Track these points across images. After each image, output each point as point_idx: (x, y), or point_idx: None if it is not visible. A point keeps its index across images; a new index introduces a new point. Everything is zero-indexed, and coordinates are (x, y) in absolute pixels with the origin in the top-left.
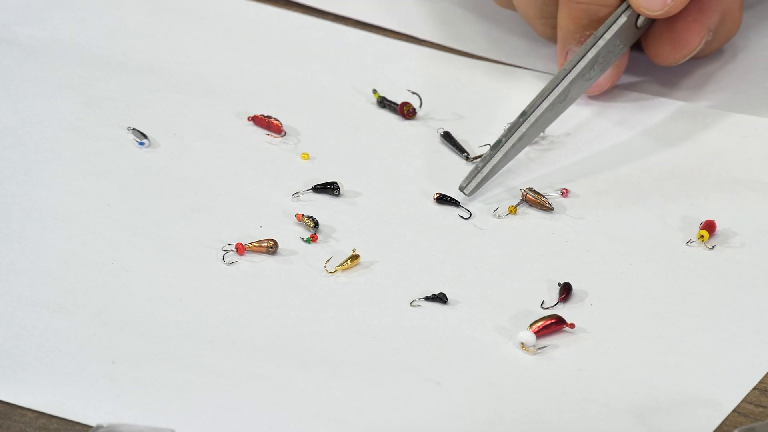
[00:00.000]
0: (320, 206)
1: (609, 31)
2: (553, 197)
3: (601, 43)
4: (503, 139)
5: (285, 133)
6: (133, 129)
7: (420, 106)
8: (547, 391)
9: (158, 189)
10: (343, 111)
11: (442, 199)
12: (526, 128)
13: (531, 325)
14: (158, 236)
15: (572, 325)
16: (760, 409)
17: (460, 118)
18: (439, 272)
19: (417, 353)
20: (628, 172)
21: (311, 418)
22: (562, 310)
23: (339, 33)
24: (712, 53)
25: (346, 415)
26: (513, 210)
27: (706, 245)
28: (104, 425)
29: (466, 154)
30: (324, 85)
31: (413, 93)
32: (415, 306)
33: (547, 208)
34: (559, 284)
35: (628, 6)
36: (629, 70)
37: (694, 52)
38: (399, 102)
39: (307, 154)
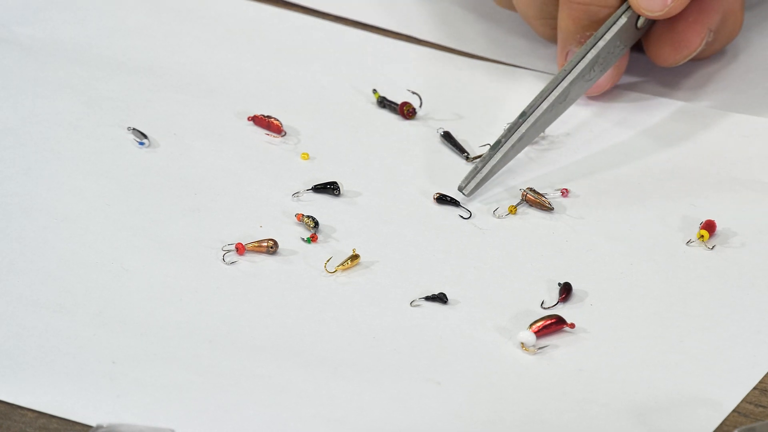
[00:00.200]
0: (320, 206)
1: (609, 31)
2: (553, 197)
3: (602, 43)
4: (503, 140)
5: (285, 133)
6: (133, 129)
7: (420, 106)
8: (547, 391)
9: (158, 189)
10: (343, 111)
11: (442, 199)
12: (526, 128)
13: (531, 325)
14: (158, 236)
15: (572, 325)
16: (760, 409)
17: (460, 118)
18: (439, 272)
19: (417, 353)
20: (628, 172)
21: (311, 418)
22: (562, 310)
23: (339, 33)
24: (713, 54)
25: (346, 415)
26: (513, 210)
27: (706, 245)
28: (104, 425)
29: (466, 154)
30: (324, 85)
31: (413, 93)
32: (415, 306)
33: (547, 208)
34: (559, 284)
35: (629, 7)
36: (629, 70)
37: (695, 53)
38: (399, 102)
39: (307, 154)
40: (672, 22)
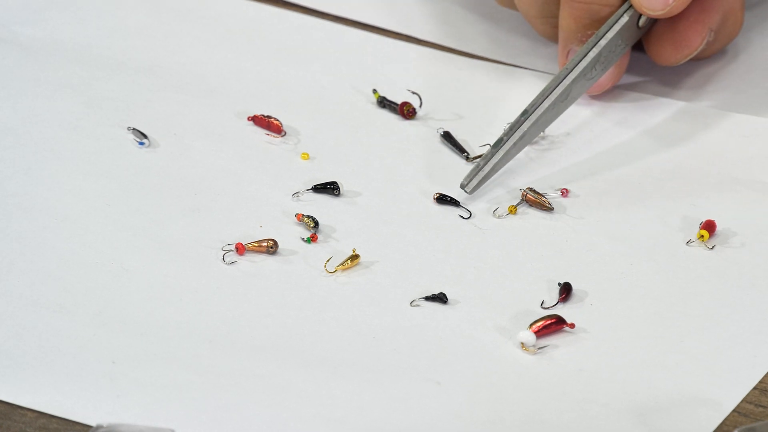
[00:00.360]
0: (320, 206)
1: (611, 30)
2: (553, 197)
3: (603, 42)
4: (504, 138)
5: (285, 133)
6: (133, 129)
7: (420, 106)
8: (547, 391)
9: (158, 189)
10: (343, 111)
11: (442, 199)
12: (528, 127)
13: (531, 325)
14: (158, 236)
15: (572, 325)
16: (760, 409)
17: (460, 118)
18: (439, 272)
19: (417, 353)
20: (628, 172)
21: (311, 418)
22: (562, 310)
23: (339, 33)
24: (713, 54)
25: (346, 415)
26: (513, 210)
27: (706, 245)
28: (104, 425)
29: (466, 154)
30: (324, 85)
31: (413, 93)
32: (415, 306)
33: (547, 208)
34: (559, 284)
35: (630, 6)
36: (630, 70)
37: (696, 53)
38: (399, 102)
39: (307, 154)
40: (673, 21)
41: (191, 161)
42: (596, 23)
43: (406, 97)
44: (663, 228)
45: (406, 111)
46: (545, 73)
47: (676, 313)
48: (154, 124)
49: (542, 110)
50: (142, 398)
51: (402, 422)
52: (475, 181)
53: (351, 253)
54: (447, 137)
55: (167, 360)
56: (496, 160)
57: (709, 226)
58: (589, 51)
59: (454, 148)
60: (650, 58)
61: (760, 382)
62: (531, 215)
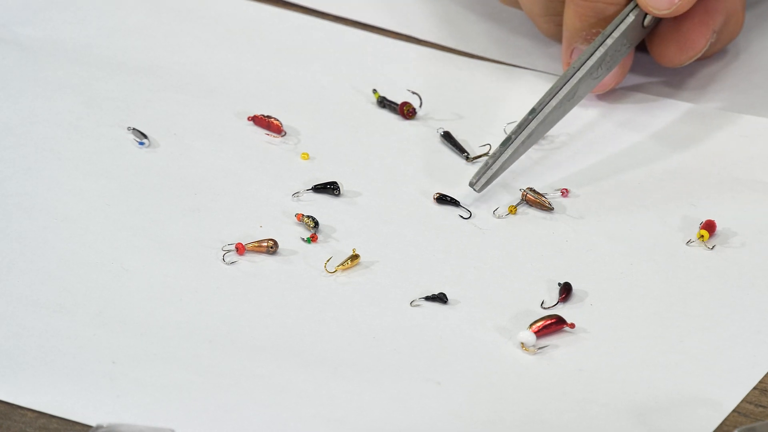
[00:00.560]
0: (320, 206)
1: (617, 29)
2: (553, 197)
3: (609, 41)
4: (513, 136)
5: (285, 133)
6: (133, 129)
7: (420, 106)
8: (547, 391)
9: (158, 189)
10: (343, 111)
11: (442, 199)
12: (536, 125)
13: (531, 325)
14: (158, 236)
15: (572, 325)
16: (760, 409)
17: (460, 118)
18: (439, 272)
19: (417, 353)
20: (628, 172)
21: (311, 418)
22: (562, 310)
23: (339, 33)
24: (714, 54)
25: (346, 415)
26: (513, 210)
27: (706, 245)
28: (104, 425)
29: (466, 154)
30: (324, 85)
31: (413, 93)
32: (415, 306)
33: (547, 208)
34: (559, 284)
35: (636, 5)
36: (631, 70)
37: (700, 54)
38: (399, 102)
39: (307, 154)
40: (677, 22)
41: (191, 161)
42: (601, 22)
43: (406, 97)
44: (663, 228)
45: (406, 111)
46: (546, 73)
47: (676, 313)
48: (154, 124)
49: (550, 109)
50: (142, 398)
51: (402, 422)
52: (483, 179)
53: (351, 253)
54: (447, 137)
55: (167, 360)
56: (505, 159)
57: (709, 226)
58: (596, 50)
59: (454, 148)
60: (654, 60)
61: (760, 382)
62: (531, 215)
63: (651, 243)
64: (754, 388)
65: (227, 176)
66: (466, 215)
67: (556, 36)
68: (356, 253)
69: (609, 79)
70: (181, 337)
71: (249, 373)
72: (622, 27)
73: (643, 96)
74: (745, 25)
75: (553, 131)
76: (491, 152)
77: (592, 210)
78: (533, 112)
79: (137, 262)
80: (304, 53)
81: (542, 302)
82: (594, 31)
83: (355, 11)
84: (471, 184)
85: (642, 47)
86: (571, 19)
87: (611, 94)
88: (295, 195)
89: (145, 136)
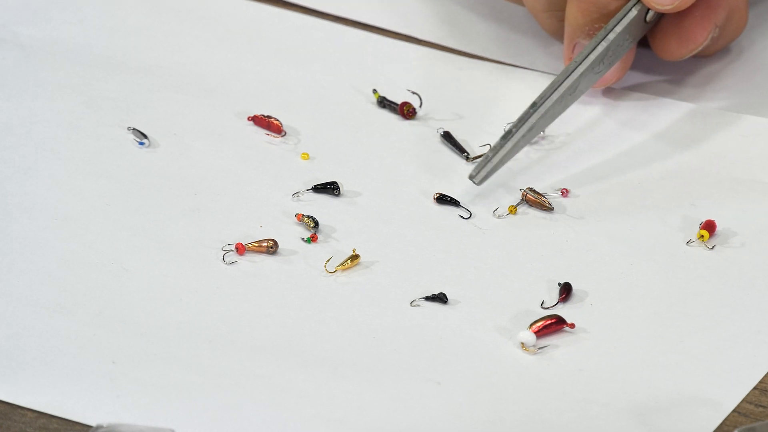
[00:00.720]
0: (320, 206)
1: (620, 24)
2: (553, 197)
3: (612, 36)
4: (513, 130)
5: (285, 133)
6: (133, 129)
7: (420, 106)
8: (547, 391)
9: (158, 189)
10: (343, 111)
11: (442, 199)
12: (536, 119)
13: (531, 325)
14: (158, 236)
15: (572, 325)
16: (760, 409)
17: (460, 118)
18: (439, 272)
19: (417, 353)
20: (628, 172)
21: (311, 418)
22: (562, 310)
23: (339, 33)
24: (717, 51)
25: (346, 415)
26: (513, 210)
27: (706, 245)
28: (104, 425)
29: (466, 154)
30: (324, 85)
31: (413, 93)
32: (415, 306)
33: (547, 208)
34: (559, 284)
35: (639, 0)
36: (632, 69)
37: (700, 48)
38: (399, 102)
39: (307, 154)
40: (679, 16)
41: (191, 161)
42: (604, 17)
43: (406, 97)
44: (663, 228)
45: (406, 111)
46: (546, 72)
47: (676, 313)
48: (154, 124)
49: (551, 103)
50: (142, 398)
51: (402, 422)
52: (483, 173)
53: (351, 253)
54: (447, 137)
55: (167, 360)
56: (505, 152)
57: (709, 226)
58: (598, 45)
59: (454, 148)
60: (654, 53)
61: (760, 382)
62: (531, 215)
63: (651, 243)
64: (754, 388)
65: (227, 176)
66: (466, 215)
67: (558, 32)
68: (356, 253)
69: (611, 74)
70: (181, 337)
71: (249, 373)
72: (625, 22)
73: (643, 95)
74: (748, 25)
75: (554, 131)
76: (491, 146)
77: (592, 210)
78: (534, 106)
79: (137, 262)
80: (304, 53)
81: (542, 302)
82: (596, 26)
83: (355, 11)
84: (471, 177)
85: (643, 42)
86: (573, 14)
87: (612, 92)
88: (295, 195)
89: (145, 136)
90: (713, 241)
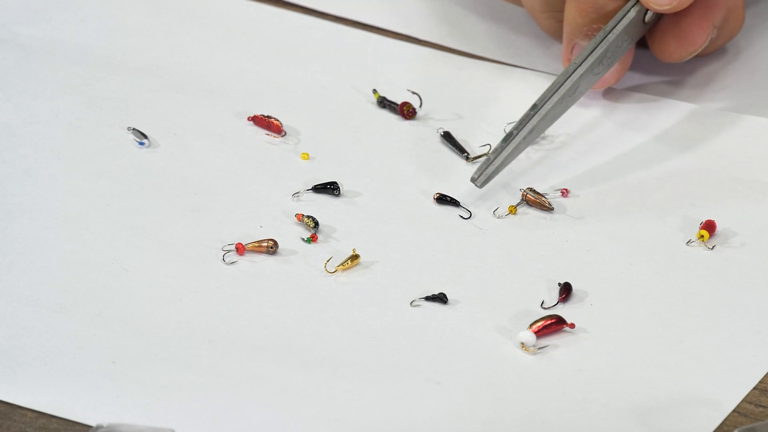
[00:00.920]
0: (320, 206)
1: (619, 25)
2: (553, 197)
3: (611, 37)
4: (514, 132)
5: (285, 133)
6: (133, 129)
7: (420, 106)
8: (547, 391)
9: (158, 189)
10: (343, 111)
11: (442, 199)
12: (537, 121)
13: (531, 325)
14: (158, 236)
15: (572, 325)
16: (760, 409)
17: (460, 118)
18: (439, 272)
19: (417, 353)
20: (628, 173)
21: (311, 418)
22: (562, 310)
23: (339, 33)
24: (715, 51)
25: (346, 415)
26: (513, 210)
27: (706, 245)
28: (104, 425)
29: (466, 154)
30: (324, 85)
31: (413, 93)
32: (415, 306)
33: (547, 208)
34: (559, 284)
35: (637, 1)
36: (631, 70)
37: (700, 50)
38: (399, 102)
39: (307, 154)
40: (677, 17)
41: (191, 161)
42: (603, 18)
43: (406, 97)
44: (663, 228)
45: (406, 111)
46: (545, 72)
47: (676, 313)
48: (154, 124)
49: (551, 104)
50: (142, 398)
51: (402, 422)
52: (485, 175)
53: (351, 253)
54: (447, 137)
55: (167, 360)
56: (506, 154)
57: (709, 226)
58: (597, 46)
59: (454, 148)
60: (654, 55)
61: (760, 382)
62: (531, 215)
63: (651, 243)
64: (754, 388)
65: (227, 176)
66: (466, 215)
67: (557, 33)
68: (356, 253)
69: (610, 75)
70: (181, 337)
71: (249, 373)
72: (624, 23)
73: (643, 96)
74: (745, 24)
75: (554, 131)
76: (493, 148)
77: (592, 210)
78: (534, 108)
79: (137, 262)
80: (304, 53)
81: (542, 302)
82: (595, 26)
83: (355, 11)
84: (473, 180)
85: (642, 43)
86: (572, 15)
87: (612, 93)
88: (295, 195)
89: (145, 136)
90: (713, 241)
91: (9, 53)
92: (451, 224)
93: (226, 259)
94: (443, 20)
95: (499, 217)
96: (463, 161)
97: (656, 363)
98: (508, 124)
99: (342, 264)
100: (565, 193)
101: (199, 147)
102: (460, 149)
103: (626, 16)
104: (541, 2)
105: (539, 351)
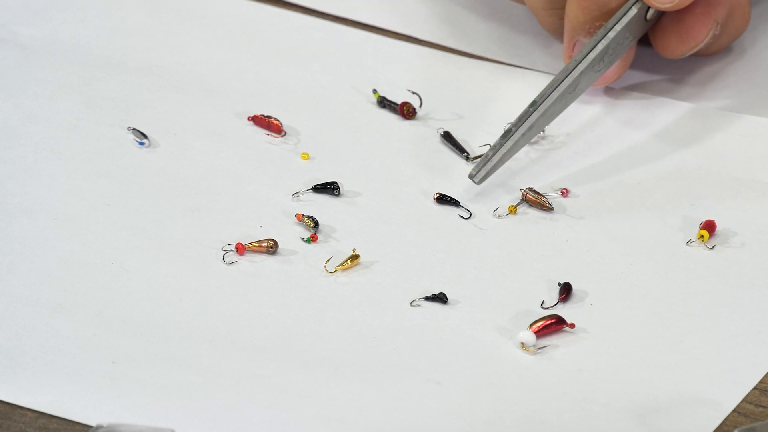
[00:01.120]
0: (320, 206)
1: (620, 23)
2: (553, 197)
3: (612, 34)
4: (513, 129)
5: (285, 133)
6: (133, 129)
7: (420, 106)
8: (547, 391)
9: (158, 189)
10: (343, 111)
11: (442, 199)
12: (536, 118)
13: (531, 325)
14: (158, 236)
15: (572, 325)
16: (760, 409)
17: (460, 118)
18: (439, 272)
19: (417, 353)
20: (628, 172)
21: (311, 418)
22: (562, 310)
23: (339, 33)
24: (720, 50)
25: (346, 415)
26: (513, 210)
27: (706, 245)
28: (104, 425)
29: (466, 154)
30: (324, 85)
31: (413, 93)
32: (415, 306)
33: (547, 208)
34: (559, 284)
35: None
36: (632, 68)
37: (701, 45)
38: (399, 102)
39: (307, 154)
40: (679, 13)
41: (191, 161)
42: (605, 15)
43: (406, 97)
44: (663, 228)
45: (406, 111)
46: (546, 72)
47: (676, 313)
48: (154, 124)
49: (551, 101)
50: (142, 398)
51: (402, 422)
52: (483, 172)
53: (351, 253)
54: (447, 137)
55: (167, 360)
56: (505, 151)
57: (709, 226)
58: (598, 43)
59: (454, 148)
60: (655, 50)
61: (760, 382)
62: (531, 215)
63: (651, 243)
64: (754, 388)
65: (227, 176)
66: (466, 215)
67: (558, 30)
68: (356, 253)
69: (611, 73)
70: (181, 337)
71: (249, 373)
72: (625, 20)
73: (643, 95)
74: (750, 24)
75: (554, 131)
76: (491, 145)
77: (592, 210)
78: (534, 105)
79: (137, 262)
80: (304, 53)
81: (542, 302)
82: (597, 24)
83: (355, 11)
84: (471, 176)
85: (643, 40)
86: (574, 12)
87: (612, 92)
88: (295, 195)
89: (145, 136)
90: (713, 241)
91: (9, 53)
92: (451, 224)
93: (226, 259)
94: (443, 20)
95: (499, 217)
96: (463, 161)
97: (656, 363)
98: (508, 123)
99: (342, 264)
100: (565, 193)
101: (199, 147)
102: (460, 149)
103: (628, 14)
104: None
105: (539, 351)
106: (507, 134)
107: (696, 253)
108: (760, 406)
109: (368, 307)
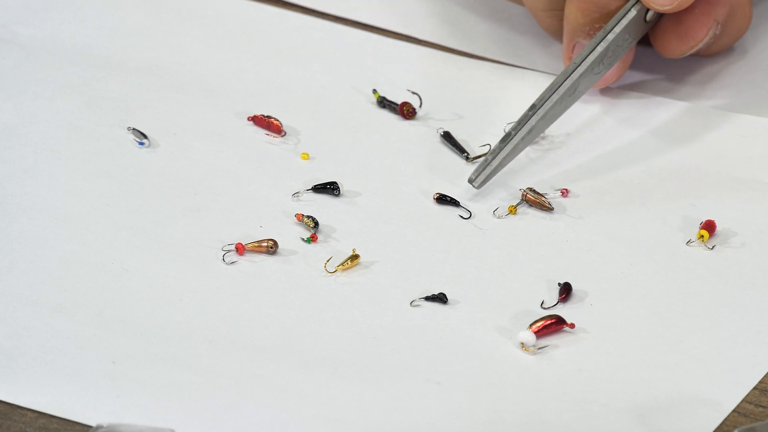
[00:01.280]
0: (320, 206)
1: (619, 24)
2: (553, 197)
3: (611, 36)
4: (513, 132)
5: (285, 133)
6: (133, 129)
7: (420, 106)
8: (547, 391)
9: (158, 189)
10: (343, 111)
11: (442, 199)
12: (536, 121)
13: (531, 325)
14: (158, 236)
15: (572, 325)
16: (760, 409)
17: (460, 118)
18: (439, 272)
19: (417, 353)
20: (628, 172)
21: (311, 418)
22: (562, 310)
23: (339, 33)
24: (722, 50)
25: (346, 415)
26: (513, 210)
27: (706, 245)
28: (104, 425)
29: (466, 154)
30: (324, 85)
31: (413, 93)
32: (415, 306)
33: (547, 208)
34: (559, 284)
35: (638, 0)
36: (632, 68)
37: (701, 45)
38: (399, 102)
39: (307, 154)
40: (679, 13)
41: (191, 161)
42: (604, 17)
43: (406, 97)
44: (663, 228)
45: (406, 111)
46: (546, 72)
47: (676, 313)
48: (154, 124)
49: (550, 104)
50: (142, 398)
51: (402, 422)
52: (483, 176)
53: (351, 253)
54: (447, 137)
55: (167, 360)
56: (504, 155)
57: (709, 226)
58: (597, 45)
59: (454, 148)
60: (655, 50)
61: (760, 382)
62: (531, 215)
63: (651, 243)
64: (754, 388)
65: (227, 176)
66: (466, 215)
67: (558, 31)
68: (356, 253)
69: (610, 74)
70: (181, 337)
71: (249, 373)
72: (624, 22)
73: (643, 95)
74: (751, 24)
75: (553, 131)
76: (491, 149)
77: (592, 210)
78: (533, 108)
79: (137, 262)
80: (304, 53)
81: (542, 302)
82: (596, 26)
83: (355, 11)
84: (470, 181)
85: (643, 39)
86: (573, 13)
87: (611, 92)
88: (295, 195)
89: (145, 136)
90: (713, 241)
91: (9, 53)
92: (451, 224)
93: (226, 259)
94: (443, 20)
95: (499, 217)
96: (463, 161)
97: (656, 363)
98: (508, 124)
99: (342, 264)
100: (565, 193)
101: (199, 147)
102: (460, 149)
103: (627, 15)
104: (542, 1)
105: (539, 351)
106: (506, 138)
107: (696, 253)
108: (760, 406)
109: (368, 307)
